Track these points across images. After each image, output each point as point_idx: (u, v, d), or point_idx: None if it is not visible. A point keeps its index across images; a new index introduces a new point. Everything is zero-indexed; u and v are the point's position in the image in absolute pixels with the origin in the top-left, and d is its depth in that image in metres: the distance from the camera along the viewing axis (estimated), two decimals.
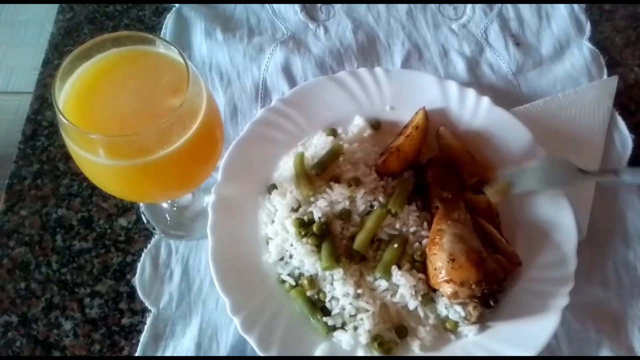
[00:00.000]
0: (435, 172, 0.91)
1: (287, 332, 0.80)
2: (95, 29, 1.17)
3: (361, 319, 0.80)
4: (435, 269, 0.80)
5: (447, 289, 0.79)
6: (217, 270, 0.82)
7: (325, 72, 1.11)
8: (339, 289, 0.81)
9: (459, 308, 0.81)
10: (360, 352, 0.80)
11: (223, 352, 0.84)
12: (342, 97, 1.00)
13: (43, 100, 1.06)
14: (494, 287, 0.80)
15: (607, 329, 0.87)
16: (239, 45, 1.14)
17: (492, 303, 0.80)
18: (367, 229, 0.85)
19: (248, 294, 0.82)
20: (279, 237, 0.86)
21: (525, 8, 1.22)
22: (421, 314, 0.82)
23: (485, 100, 0.99)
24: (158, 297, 0.88)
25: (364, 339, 0.79)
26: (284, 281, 0.85)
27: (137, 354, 0.84)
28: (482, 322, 0.82)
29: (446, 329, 0.82)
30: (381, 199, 0.88)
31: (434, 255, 0.81)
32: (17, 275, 0.90)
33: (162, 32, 1.16)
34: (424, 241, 0.85)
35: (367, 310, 0.80)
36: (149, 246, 0.92)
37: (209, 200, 0.89)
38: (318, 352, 0.80)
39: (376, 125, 0.99)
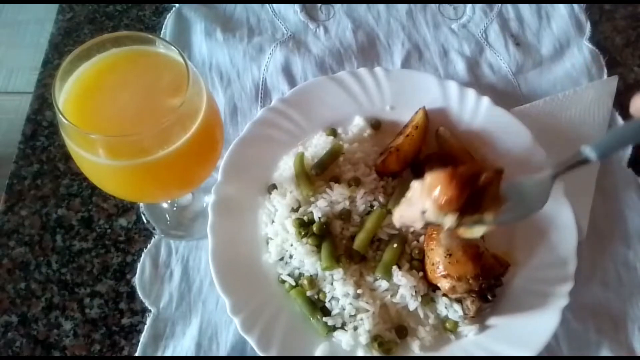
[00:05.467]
0: (433, 168, 0.91)
1: (287, 332, 0.80)
2: (95, 29, 1.17)
3: (361, 319, 0.80)
4: (433, 264, 0.81)
5: (444, 283, 0.79)
6: (217, 271, 0.82)
7: (325, 72, 1.11)
8: (339, 289, 0.81)
9: (458, 307, 0.81)
10: (360, 352, 0.80)
11: (223, 352, 0.84)
12: (342, 97, 1.00)
13: (43, 100, 1.06)
14: (491, 281, 0.80)
15: (607, 329, 0.87)
16: (239, 45, 1.14)
17: (489, 297, 0.80)
18: (367, 229, 0.85)
19: (248, 294, 0.82)
20: (279, 237, 0.86)
21: (525, 8, 1.22)
22: (421, 314, 0.82)
23: (485, 100, 0.99)
24: (158, 297, 0.88)
25: (364, 339, 0.79)
26: (284, 281, 0.85)
27: (137, 354, 0.84)
28: (481, 318, 0.82)
29: (446, 329, 0.82)
30: (381, 199, 0.88)
31: (431, 250, 0.82)
32: (17, 275, 0.90)
33: (162, 32, 1.16)
34: (422, 238, 0.86)
35: (367, 311, 0.80)
36: (149, 246, 0.92)
37: (209, 200, 0.89)
38: (318, 352, 0.80)
39: (376, 125, 0.99)
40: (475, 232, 0.76)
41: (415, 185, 0.75)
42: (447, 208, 0.70)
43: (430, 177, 0.72)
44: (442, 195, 0.70)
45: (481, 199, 0.72)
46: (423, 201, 0.72)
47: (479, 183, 0.71)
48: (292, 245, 0.85)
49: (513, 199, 0.74)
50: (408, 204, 0.76)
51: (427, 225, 0.75)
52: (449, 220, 0.72)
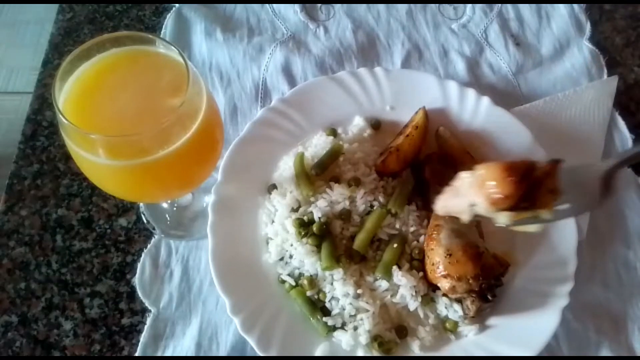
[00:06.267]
0: (434, 168, 0.92)
1: (287, 332, 0.80)
2: (95, 29, 1.17)
3: (361, 319, 0.80)
4: (433, 264, 0.81)
5: (444, 283, 0.79)
6: (217, 270, 0.82)
7: (325, 72, 1.11)
8: (339, 289, 0.81)
9: (458, 307, 0.81)
10: (360, 352, 0.80)
11: (223, 352, 0.84)
12: (342, 97, 1.00)
13: (43, 100, 1.06)
14: (491, 281, 0.80)
15: (607, 329, 0.87)
16: (239, 45, 1.14)
17: (489, 297, 0.80)
18: (367, 229, 0.85)
19: (248, 294, 0.82)
20: (279, 237, 0.86)
21: (525, 8, 1.22)
22: (421, 314, 0.82)
23: (485, 100, 0.99)
24: (158, 297, 0.88)
25: (364, 339, 0.79)
26: (284, 281, 0.85)
27: (137, 354, 0.84)
28: (481, 318, 0.82)
29: (446, 329, 0.82)
30: (381, 199, 0.88)
31: (431, 250, 0.82)
32: (17, 275, 0.90)
33: (162, 32, 1.16)
34: (422, 238, 0.86)
35: (367, 311, 0.80)
36: (149, 246, 0.92)
37: (209, 200, 0.89)
38: (318, 352, 0.80)
39: (376, 125, 0.99)
40: (530, 228, 0.71)
41: (465, 175, 0.70)
42: (501, 205, 0.65)
43: (484, 170, 0.66)
44: (497, 192, 0.64)
45: (536, 193, 0.66)
46: (473, 194, 0.67)
47: (534, 176, 0.65)
48: (292, 245, 0.85)
49: (570, 191, 0.68)
50: (454, 193, 0.72)
51: (475, 217, 0.70)
52: (503, 218, 0.67)
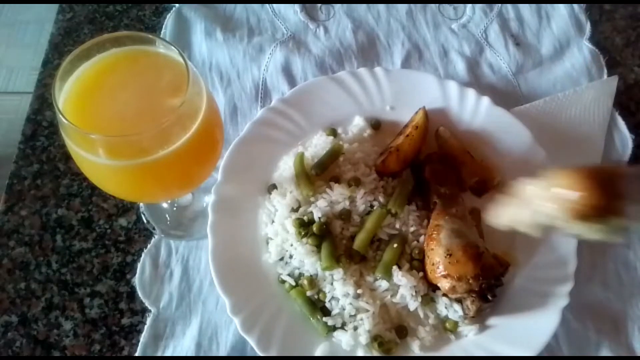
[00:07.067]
0: (434, 168, 0.92)
1: (287, 332, 0.80)
2: (95, 29, 1.17)
3: (361, 319, 0.80)
4: (433, 264, 0.81)
5: (444, 283, 0.79)
6: (217, 270, 0.82)
7: (325, 72, 1.11)
8: (339, 289, 0.81)
9: (458, 307, 0.81)
10: (360, 352, 0.80)
11: (223, 352, 0.84)
12: (342, 97, 1.00)
13: (43, 100, 1.06)
14: (491, 281, 0.80)
15: (607, 329, 0.87)
16: (239, 45, 1.15)
17: (490, 297, 0.80)
18: (367, 229, 0.85)
19: (248, 294, 0.82)
20: (279, 237, 0.86)
21: (525, 8, 1.22)
22: (421, 314, 0.82)
23: (485, 100, 0.99)
24: (158, 297, 0.88)
25: (364, 339, 0.79)
26: (284, 281, 0.85)
27: (137, 354, 0.84)
28: (481, 318, 0.82)
29: (446, 329, 0.82)
30: (381, 199, 0.88)
31: (431, 250, 0.82)
32: (17, 275, 0.90)
33: (162, 32, 1.16)
34: (422, 238, 0.86)
35: (367, 311, 0.80)
36: (149, 246, 0.92)
37: (209, 200, 0.89)
38: (318, 352, 0.80)
39: (376, 125, 0.99)
40: (613, 238, 0.63)
41: (535, 184, 0.64)
42: (589, 214, 0.59)
43: (560, 178, 0.60)
44: (579, 202, 0.58)
45: (618, 201, 0.58)
46: (550, 205, 0.61)
47: (618, 183, 0.59)
48: (292, 245, 0.85)
49: None
50: (518, 204, 0.66)
51: (548, 232, 0.64)
52: (591, 231, 0.60)
